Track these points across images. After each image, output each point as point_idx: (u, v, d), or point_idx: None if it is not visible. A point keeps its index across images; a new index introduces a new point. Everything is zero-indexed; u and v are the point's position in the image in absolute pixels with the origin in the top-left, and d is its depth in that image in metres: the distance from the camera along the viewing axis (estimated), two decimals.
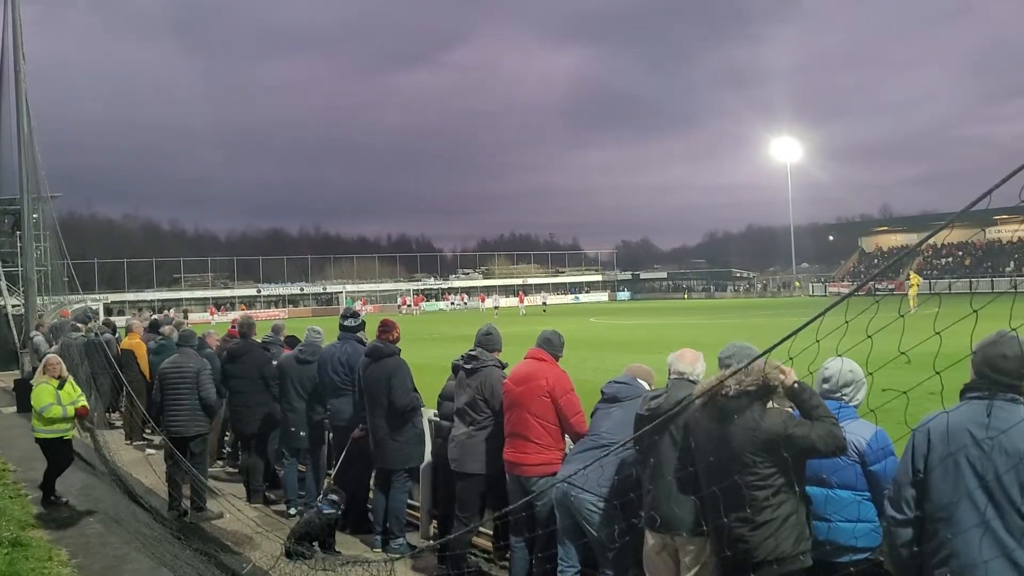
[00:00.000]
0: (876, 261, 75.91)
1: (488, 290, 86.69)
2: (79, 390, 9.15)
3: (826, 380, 3.94)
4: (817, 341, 2.84)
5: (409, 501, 7.48)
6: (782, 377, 3.59)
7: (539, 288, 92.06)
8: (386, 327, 7.41)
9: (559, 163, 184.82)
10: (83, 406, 8.91)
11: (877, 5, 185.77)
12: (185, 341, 9.15)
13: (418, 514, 7.55)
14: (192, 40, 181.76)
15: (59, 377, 8.83)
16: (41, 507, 8.73)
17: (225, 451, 11.06)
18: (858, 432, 3.76)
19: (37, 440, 8.89)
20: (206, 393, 8.63)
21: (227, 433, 10.95)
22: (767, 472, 3.51)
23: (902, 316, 2.80)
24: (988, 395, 2.92)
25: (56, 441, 8.80)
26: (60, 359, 9.19)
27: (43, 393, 8.65)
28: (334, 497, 6.96)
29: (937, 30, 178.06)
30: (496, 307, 67.48)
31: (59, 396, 8.70)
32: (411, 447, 7.09)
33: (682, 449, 4.01)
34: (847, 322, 2.60)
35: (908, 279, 37.87)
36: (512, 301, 75.43)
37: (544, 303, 64.29)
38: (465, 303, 78.92)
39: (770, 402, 3.66)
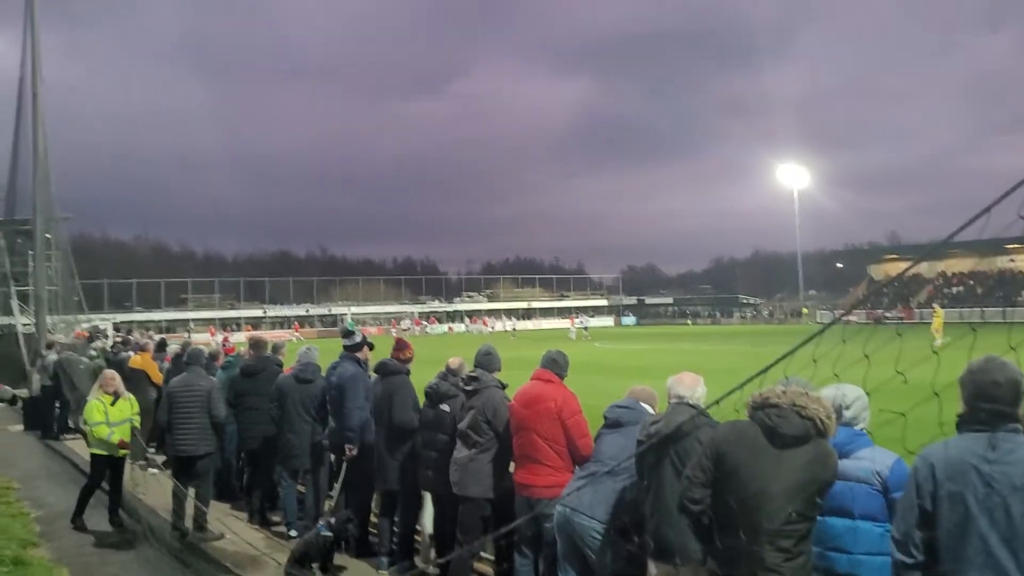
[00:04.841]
0: (885, 289, 75.68)
1: (494, 313, 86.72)
2: (136, 406, 9.12)
3: (847, 407, 3.80)
4: (836, 375, 2.79)
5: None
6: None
7: (544, 312, 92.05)
8: (400, 346, 7.52)
9: (564, 188, 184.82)
10: (122, 439, 8.74)
11: (872, 42, 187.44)
12: (194, 360, 9.13)
13: (420, 538, 7.50)
14: (206, 69, 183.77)
15: (114, 393, 8.82)
16: (72, 524, 8.74)
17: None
18: (880, 460, 3.62)
19: (91, 455, 8.96)
20: (217, 412, 8.62)
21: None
22: (813, 504, 3.33)
23: (936, 353, 2.72)
24: (989, 428, 2.79)
25: (105, 460, 8.81)
26: (116, 375, 9.18)
27: (93, 410, 8.67)
28: (333, 519, 6.93)
29: (935, 62, 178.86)
30: (513, 330, 67.50)
31: (108, 414, 8.69)
32: (409, 468, 7.02)
33: (705, 469, 3.63)
34: (867, 356, 2.53)
35: (932, 310, 37.54)
36: (527, 324, 79.06)
37: (586, 327, 62.92)
38: (490, 327, 78.28)
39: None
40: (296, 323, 77.80)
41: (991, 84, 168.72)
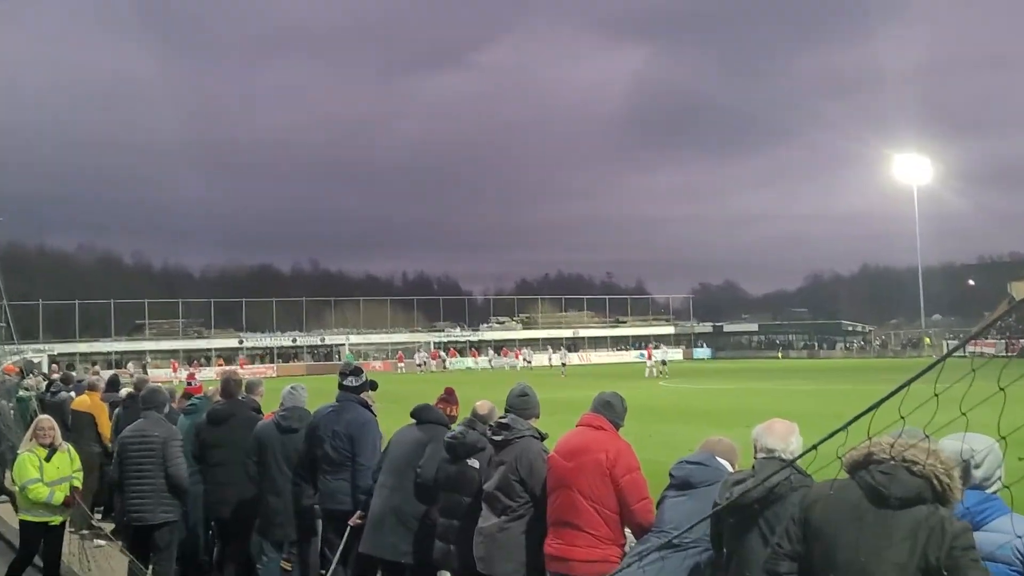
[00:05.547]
0: None
1: (530, 343, 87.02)
2: (76, 462, 9.19)
3: (977, 466, 3.76)
4: (963, 413, 2.74)
5: None
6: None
7: (594, 342, 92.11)
8: (450, 398, 7.63)
9: (619, 187, 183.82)
10: (69, 495, 8.87)
11: None
12: (149, 403, 9.10)
13: None
14: (172, 40, 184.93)
15: (49, 446, 8.89)
16: None
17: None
18: (1022, 532, 3.53)
19: (20, 521, 9.04)
20: (175, 469, 8.50)
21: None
22: None
23: None
24: None
25: (38, 527, 8.89)
26: (54, 423, 9.25)
27: (26, 464, 8.72)
28: None
29: None
30: (563, 365, 67.99)
31: (44, 470, 8.74)
32: (424, 537, 6.93)
33: (793, 538, 3.66)
34: (1002, 389, 2.48)
35: None
36: (572, 358, 78.00)
37: (664, 361, 61.97)
38: (525, 361, 78.42)
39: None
40: (242, 357, 77.69)
41: None
